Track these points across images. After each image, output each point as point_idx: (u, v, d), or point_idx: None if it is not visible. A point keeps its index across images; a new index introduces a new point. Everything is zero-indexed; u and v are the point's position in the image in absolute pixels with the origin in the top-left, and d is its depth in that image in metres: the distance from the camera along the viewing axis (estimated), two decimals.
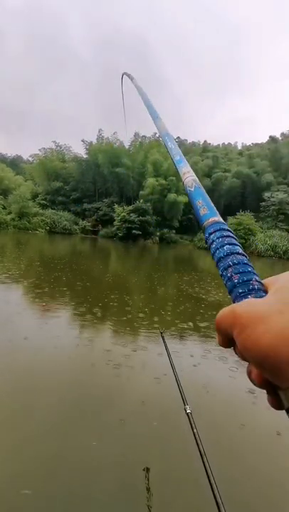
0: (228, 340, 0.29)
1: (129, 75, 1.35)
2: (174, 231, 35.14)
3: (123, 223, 30.99)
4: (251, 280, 0.34)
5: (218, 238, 0.42)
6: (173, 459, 2.09)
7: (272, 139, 47.55)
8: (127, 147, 40.78)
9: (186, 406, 1.50)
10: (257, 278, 0.35)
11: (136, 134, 41.62)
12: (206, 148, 49.68)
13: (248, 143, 52.09)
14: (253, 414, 2.74)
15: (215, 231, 0.44)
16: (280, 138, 48.05)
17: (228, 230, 0.44)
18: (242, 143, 52.82)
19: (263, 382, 0.27)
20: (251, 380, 0.28)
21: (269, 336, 0.24)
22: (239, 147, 52.72)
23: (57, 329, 4.30)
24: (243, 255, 0.39)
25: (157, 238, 32.96)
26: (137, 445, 2.19)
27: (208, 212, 0.47)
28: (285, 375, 0.23)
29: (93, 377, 3.10)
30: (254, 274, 0.36)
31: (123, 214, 31.21)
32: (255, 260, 22.65)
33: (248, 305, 0.28)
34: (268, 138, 49.42)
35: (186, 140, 52.79)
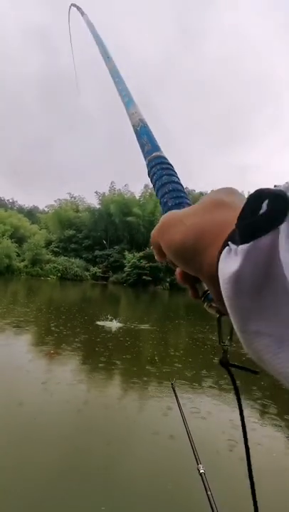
0: (162, 252, 0.32)
1: (79, 8, 1.23)
2: None
3: (133, 269, 31.25)
4: (182, 203, 0.39)
5: (158, 170, 0.45)
6: None
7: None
8: (137, 198, 42.81)
9: (200, 465, 1.41)
10: (188, 201, 0.40)
11: (146, 186, 43.95)
12: None
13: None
14: (272, 476, 2.51)
15: (156, 164, 0.46)
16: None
17: (168, 164, 0.47)
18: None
19: (183, 279, 0.32)
20: (178, 280, 0.33)
21: (181, 233, 0.27)
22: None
23: (64, 382, 4.19)
24: (179, 184, 0.43)
25: (168, 284, 32.82)
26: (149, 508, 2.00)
27: (151, 148, 0.49)
28: (193, 265, 0.26)
29: (101, 432, 2.94)
30: (186, 198, 0.41)
31: (134, 260, 31.63)
32: None
33: (170, 214, 0.32)
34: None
35: (194, 190, 55.18)
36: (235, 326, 0.20)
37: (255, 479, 0.29)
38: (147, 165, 0.49)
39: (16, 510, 1.93)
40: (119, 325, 8.53)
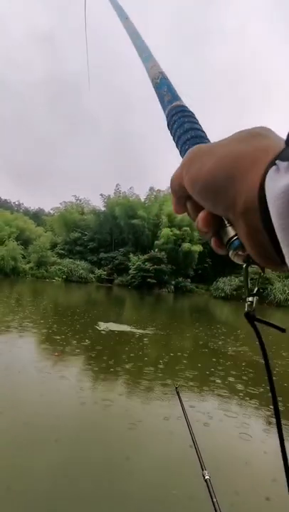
0: (183, 200, 0.30)
1: None
2: (189, 280, 34.95)
3: (138, 272, 31.26)
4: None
5: (179, 118, 0.43)
6: None
7: None
8: (142, 200, 42.89)
9: (205, 471, 1.40)
10: None
11: (151, 189, 44.02)
12: None
13: None
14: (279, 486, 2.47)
15: (177, 112, 0.44)
16: None
17: (189, 112, 0.44)
18: None
19: (206, 224, 0.28)
20: (199, 229, 0.29)
21: (212, 163, 0.25)
22: None
23: (68, 382, 4.19)
24: (202, 131, 0.40)
25: (172, 287, 32.73)
26: None
27: (171, 98, 0.47)
28: (224, 198, 0.24)
29: (105, 435, 2.94)
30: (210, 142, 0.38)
31: (138, 263, 31.66)
32: (275, 310, 21.86)
33: (197, 146, 0.30)
34: None
35: None
36: (286, 249, 0.19)
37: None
38: (166, 116, 0.46)
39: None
40: (123, 327, 8.51)
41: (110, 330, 7.97)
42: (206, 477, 1.36)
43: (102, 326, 8.28)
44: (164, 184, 46.23)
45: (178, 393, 2.09)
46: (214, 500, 1.19)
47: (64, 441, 2.74)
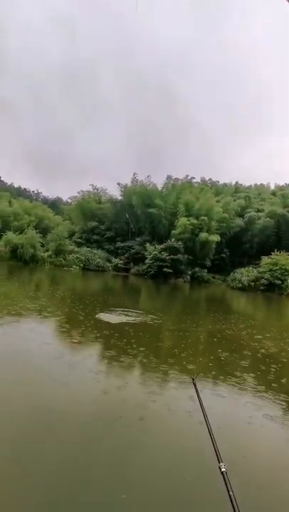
0: None
1: None
2: (205, 270, 34.65)
3: (154, 261, 31.29)
4: None
5: None
6: None
7: None
8: (160, 189, 42.45)
9: (221, 464, 1.40)
10: None
11: (168, 177, 43.45)
12: (238, 189, 50.19)
13: (281, 183, 51.71)
14: None
15: None
16: None
17: None
18: (275, 183, 52.51)
19: None
20: None
21: None
22: (272, 187, 52.55)
23: (84, 370, 4.29)
24: None
25: (188, 277, 32.60)
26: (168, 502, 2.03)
27: None
28: None
29: (120, 421, 3.00)
30: None
31: (155, 252, 31.65)
32: None
33: None
34: None
35: (218, 181, 53.87)
36: None
37: None
38: None
39: (35, 497, 2.01)
40: (136, 318, 8.59)
41: (120, 322, 8.05)
42: (223, 469, 1.36)
43: (105, 317, 8.31)
44: (181, 172, 45.47)
45: (194, 384, 2.10)
46: (230, 493, 1.18)
47: (84, 422, 2.84)
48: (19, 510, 1.86)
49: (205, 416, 1.76)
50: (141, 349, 5.54)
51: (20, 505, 1.89)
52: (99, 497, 2.00)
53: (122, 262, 36.59)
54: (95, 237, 41.46)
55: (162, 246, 32.25)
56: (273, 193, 48.92)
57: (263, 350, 6.45)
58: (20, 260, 27.43)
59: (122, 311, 9.07)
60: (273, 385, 4.45)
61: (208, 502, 2.06)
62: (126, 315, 8.51)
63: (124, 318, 8.01)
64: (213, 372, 4.73)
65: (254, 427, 3.21)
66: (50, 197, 72.34)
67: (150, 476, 2.28)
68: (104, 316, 7.97)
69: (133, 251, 37.66)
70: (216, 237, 34.20)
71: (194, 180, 46.67)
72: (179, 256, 31.52)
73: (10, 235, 28.47)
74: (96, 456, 2.42)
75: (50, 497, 1.96)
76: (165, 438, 2.83)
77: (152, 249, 32.49)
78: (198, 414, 2.18)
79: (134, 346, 5.63)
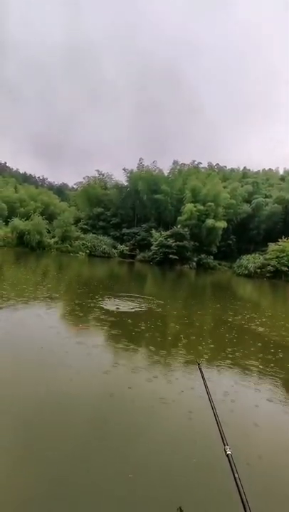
0: None
1: None
2: (211, 257, 34.52)
3: (160, 248, 31.23)
4: None
5: None
6: (212, 504, 1.94)
7: None
8: (166, 174, 41.84)
9: (226, 447, 1.41)
10: None
11: (175, 162, 42.72)
12: (245, 174, 49.22)
13: None
14: None
15: None
16: None
17: None
18: (284, 168, 51.28)
19: None
20: None
21: None
22: (281, 172, 51.38)
23: (91, 356, 4.34)
24: None
25: (194, 264, 32.54)
26: (173, 482, 2.07)
27: None
28: None
29: (126, 406, 3.05)
30: None
31: (161, 239, 31.54)
32: None
33: None
34: None
35: (226, 166, 52.81)
36: None
37: None
38: None
39: (41, 476, 2.06)
40: (141, 304, 8.63)
41: (121, 310, 8.09)
42: (228, 452, 1.37)
43: (110, 303, 8.36)
44: (188, 157, 44.61)
45: (200, 369, 2.10)
46: (236, 475, 1.19)
47: (91, 403, 2.90)
48: (30, 486, 1.92)
49: (210, 399, 1.77)
50: (146, 335, 5.59)
51: (32, 483, 1.95)
52: (106, 476, 2.05)
53: (127, 248, 36.60)
54: (101, 223, 41.39)
55: (168, 232, 32.10)
56: (282, 179, 47.89)
57: (276, 337, 6.46)
58: (27, 246, 27.63)
59: (128, 297, 9.12)
60: (276, 368, 4.47)
61: (213, 484, 2.10)
62: (132, 301, 8.56)
63: (130, 304, 8.06)
64: (219, 357, 4.76)
65: (261, 411, 3.24)
66: (56, 183, 72.21)
67: (156, 458, 2.32)
68: (110, 302, 8.03)
69: (139, 237, 37.59)
70: (222, 224, 33.84)
71: (201, 166, 45.86)
72: (185, 242, 31.37)
73: (16, 221, 28.59)
74: (103, 439, 2.47)
75: (62, 474, 2.02)
76: (171, 421, 2.87)
77: (158, 236, 32.36)
78: (204, 398, 2.19)
79: (140, 330, 5.68)
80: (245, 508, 1.05)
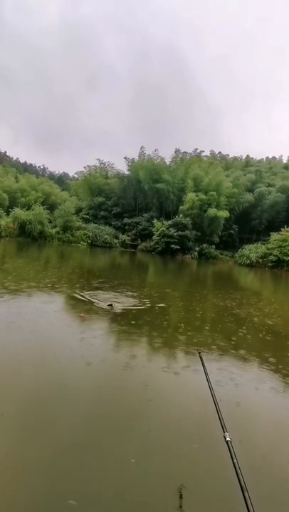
0: None
1: None
2: (213, 246, 34.48)
3: (162, 238, 31.20)
4: None
5: None
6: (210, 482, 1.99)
7: None
8: (168, 163, 41.39)
9: (226, 433, 1.44)
10: None
11: (177, 151, 42.21)
12: (248, 163, 48.64)
13: None
14: None
15: None
16: None
17: None
18: (288, 156, 50.58)
19: None
20: None
21: None
22: (285, 160, 50.70)
23: (92, 346, 4.40)
24: None
25: (196, 253, 32.54)
26: (173, 464, 2.12)
27: None
28: None
29: (128, 389, 3.10)
30: None
31: (162, 229, 31.47)
32: None
33: None
34: None
35: (228, 155, 52.15)
36: None
37: None
38: None
39: (41, 462, 2.11)
40: (142, 295, 8.66)
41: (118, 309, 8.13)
42: (227, 439, 1.40)
43: (106, 297, 8.42)
44: (190, 145, 44.04)
45: (201, 358, 2.12)
46: (235, 461, 1.22)
47: (90, 387, 2.95)
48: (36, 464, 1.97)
49: (210, 387, 1.79)
50: (146, 327, 5.63)
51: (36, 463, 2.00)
52: (109, 462, 2.10)
53: (129, 238, 36.59)
54: (102, 213, 41.28)
55: (170, 222, 32.00)
56: (285, 167, 47.35)
57: (277, 327, 6.50)
58: (29, 237, 27.67)
59: (127, 289, 9.16)
60: (279, 357, 4.51)
61: (213, 469, 2.15)
62: (132, 292, 8.60)
63: (130, 297, 8.10)
64: (220, 345, 4.80)
65: (260, 398, 3.29)
66: (57, 172, 71.83)
67: (156, 443, 2.37)
68: (106, 297, 8.08)
69: (140, 227, 37.53)
70: (224, 213, 33.67)
71: (203, 154, 45.33)
72: (187, 232, 31.30)
73: (18, 211, 28.54)
74: (102, 423, 2.52)
75: (65, 457, 2.07)
76: (172, 407, 2.92)
77: (160, 226, 32.28)
78: (204, 385, 2.22)
79: (141, 323, 5.73)
80: (243, 492, 1.08)
